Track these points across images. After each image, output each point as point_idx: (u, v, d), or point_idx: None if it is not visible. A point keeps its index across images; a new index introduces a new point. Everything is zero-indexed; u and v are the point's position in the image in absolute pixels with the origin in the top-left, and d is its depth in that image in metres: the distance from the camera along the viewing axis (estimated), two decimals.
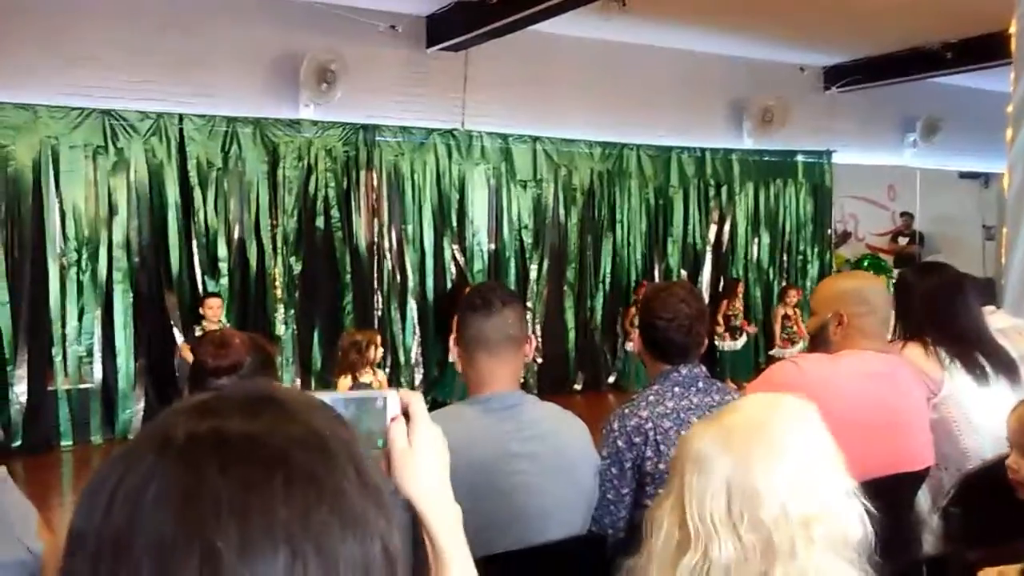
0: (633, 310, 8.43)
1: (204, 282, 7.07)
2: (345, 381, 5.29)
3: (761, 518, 1.16)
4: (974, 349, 2.68)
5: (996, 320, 2.93)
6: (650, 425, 2.31)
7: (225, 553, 0.55)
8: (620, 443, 2.31)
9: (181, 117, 6.99)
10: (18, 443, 6.45)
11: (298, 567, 0.57)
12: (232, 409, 0.63)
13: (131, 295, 6.84)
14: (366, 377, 5.37)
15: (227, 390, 0.67)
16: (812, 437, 1.24)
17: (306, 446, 0.61)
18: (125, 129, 6.80)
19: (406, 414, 1.00)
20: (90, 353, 6.76)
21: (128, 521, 0.57)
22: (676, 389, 2.40)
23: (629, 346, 8.44)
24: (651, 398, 2.38)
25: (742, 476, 1.18)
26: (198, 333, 6.55)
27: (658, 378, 2.45)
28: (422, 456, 1.00)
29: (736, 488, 1.18)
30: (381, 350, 5.63)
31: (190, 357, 6.44)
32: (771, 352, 8.94)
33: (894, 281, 9.93)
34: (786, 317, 8.90)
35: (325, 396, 1.03)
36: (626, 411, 2.37)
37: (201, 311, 6.69)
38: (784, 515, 1.16)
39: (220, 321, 6.71)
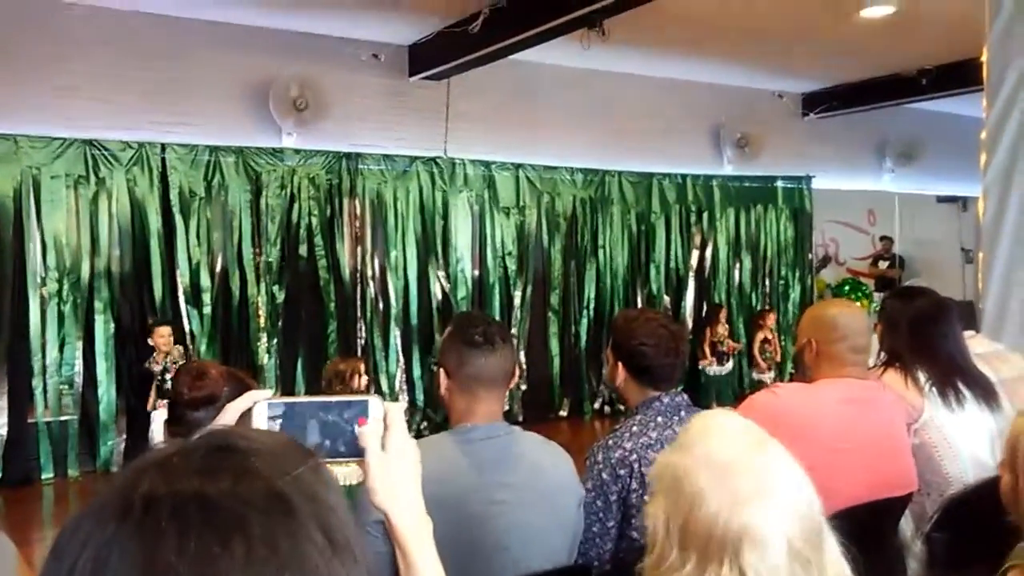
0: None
1: (187, 312, 7.03)
2: None
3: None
4: (955, 375, 2.70)
5: (976, 345, 2.96)
6: (635, 457, 2.30)
7: None
8: (605, 475, 2.29)
9: (163, 146, 6.98)
10: None
11: None
12: (192, 468, 0.62)
13: (113, 325, 6.79)
14: None
15: (191, 443, 0.66)
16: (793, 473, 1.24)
17: (267, 509, 0.60)
18: (107, 159, 6.78)
19: (384, 422, 1.02)
20: (71, 384, 6.69)
21: None
22: (659, 419, 2.39)
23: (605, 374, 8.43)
24: (635, 428, 2.37)
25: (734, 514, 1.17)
26: (148, 365, 6.51)
27: (640, 407, 2.45)
28: (396, 463, 1.01)
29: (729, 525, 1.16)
30: (366, 378, 5.57)
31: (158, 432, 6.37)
32: (754, 376, 9.01)
33: (876, 307, 10.04)
34: (765, 341, 8.97)
35: (308, 400, 1.05)
36: (610, 442, 2.36)
37: (150, 341, 6.54)
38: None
39: (169, 351, 6.61)
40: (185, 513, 0.58)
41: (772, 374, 8.81)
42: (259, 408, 1.03)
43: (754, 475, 1.18)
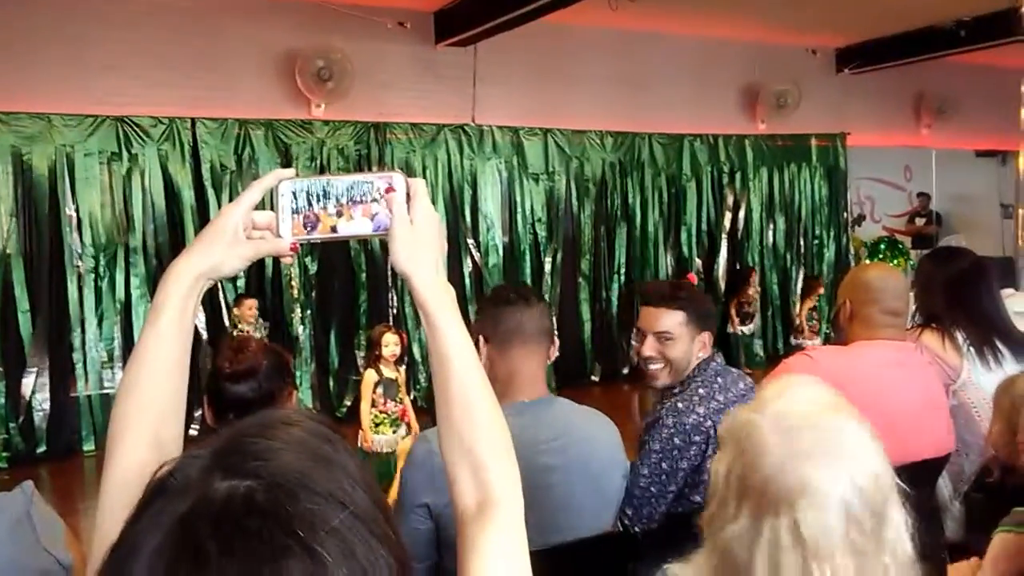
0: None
1: (221, 285, 7.11)
2: (368, 375, 5.34)
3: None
4: (993, 334, 2.66)
5: (1015, 303, 2.91)
6: (709, 423, 2.28)
7: None
8: (677, 440, 2.28)
9: (193, 121, 7.02)
10: (42, 449, 6.52)
11: None
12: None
13: (149, 300, 6.89)
14: (389, 372, 5.40)
15: (239, 431, 0.69)
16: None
17: (310, 524, 0.62)
18: (138, 135, 6.84)
19: (408, 193, 1.06)
20: (111, 358, 6.81)
21: None
22: (719, 380, 2.40)
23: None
24: (701, 391, 2.36)
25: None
26: (236, 334, 6.67)
27: (698, 369, 2.44)
28: (420, 232, 1.06)
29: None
30: (396, 349, 5.51)
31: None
32: (794, 341, 8.96)
33: (912, 265, 9.90)
34: (813, 309, 8.92)
35: (330, 179, 1.07)
36: (679, 406, 2.34)
37: (236, 312, 6.79)
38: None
39: (254, 322, 6.75)
40: (228, 528, 0.61)
41: (817, 340, 8.74)
42: (284, 185, 1.06)
43: (820, 433, 1.17)
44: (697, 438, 2.27)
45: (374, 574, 0.64)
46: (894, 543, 1.15)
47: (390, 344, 5.47)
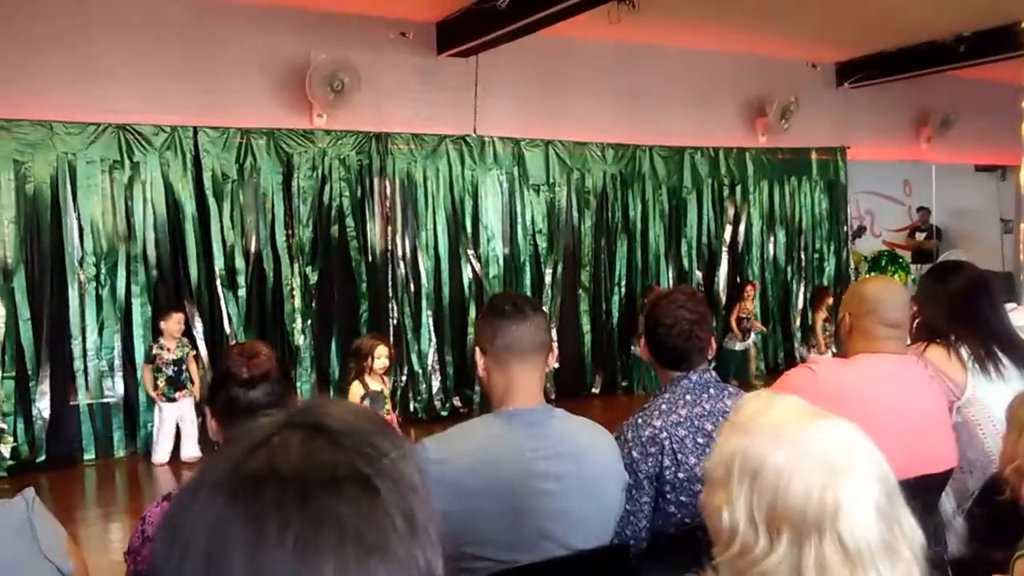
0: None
1: (223, 294, 7.11)
2: (355, 388, 5.30)
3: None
4: (996, 345, 2.66)
5: (1017, 317, 2.91)
6: (665, 435, 2.30)
7: None
8: (635, 454, 2.30)
9: (195, 130, 7.03)
10: (42, 458, 6.50)
11: None
12: (292, 451, 0.69)
13: (150, 309, 6.88)
14: (375, 384, 5.38)
15: (287, 420, 0.73)
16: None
17: (356, 497, 0.67)
18: (140, 143, 6.85)
19: None
20: (111, 367, 6.81)
21: (205, 566, 0.64)
22: (688, 396, 2.39)
23: (635, 349, 8.49)
24: (663, 407, 2.38)
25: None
26: (158, 352, 6.64)
27: (669, 385, 2.45)
28: None
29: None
30: (385, 361, 5.50)
31: (148, 383, 6.47)
32: (809, 355, 8.97)
33: (913, 279, 9.91)
34: (827, 320, 8.94)
35: None
36: (639, 420, 2.36)
37: (163, 325, 6.69)
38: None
39: (179, 339, 6.72)
40: (287, 498, 0.66)
41: (829, 353, 8.74)
42: None
43: (830, 444, 1.18)
44: (652, 449, 2.29)
45: (420, 514, 0.70)
46: (911, 536, 1.17)
47: (382, 356, 5.43)
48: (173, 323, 6.69)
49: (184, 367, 6.72)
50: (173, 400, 6.64)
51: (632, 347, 8.65)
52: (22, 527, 1.61)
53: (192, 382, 6.77)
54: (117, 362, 6.80)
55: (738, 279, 9.55)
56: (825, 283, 10.08)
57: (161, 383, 6.64)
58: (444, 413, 7.82)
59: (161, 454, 6.66)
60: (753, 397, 1.32)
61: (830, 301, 8.99)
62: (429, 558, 0.69)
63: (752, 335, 9.06)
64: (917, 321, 2.80)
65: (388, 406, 5.39)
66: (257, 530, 0.64)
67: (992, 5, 7.30)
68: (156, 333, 6.77)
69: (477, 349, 2.16)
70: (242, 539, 0.64)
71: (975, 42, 8.68)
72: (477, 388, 7.69)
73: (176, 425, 6.68)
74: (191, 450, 6.67)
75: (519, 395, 2.09)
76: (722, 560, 1.21)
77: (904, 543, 1.16)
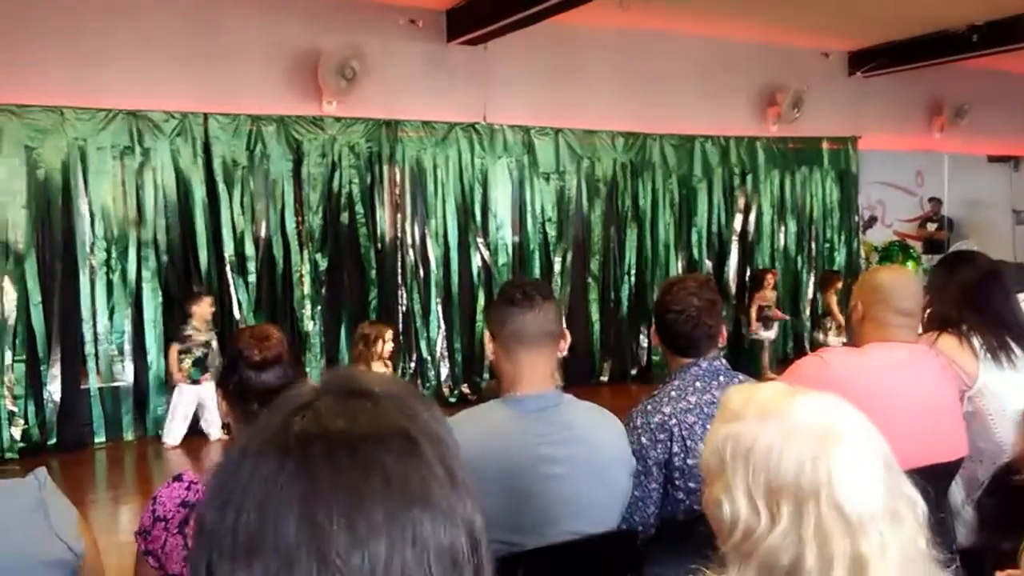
0: None
1: (233, 280, 7.13)
2: None
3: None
4: (1008, 335, 2.65)
5: None
6: (674, 421, 2.29)
7: (335, 549, 0.66)
8: (644, 440, 2.30)
9: (206, 116, 7.04)
10: (52, 441, 6.54)
11: (396, 556, 0.66)
12: (336, 411, 0.73)
13: (160, 294, 6.91)
14: (377, 367, 5.51)
15: (325, 386, 0.77)
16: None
17: (400, 449, 0.71)
18: (151, 129, 6.86)
19: None
20: (121, 351, 6.84)
21: (259, 525, 0.67)
22: (697, 383, 2.39)
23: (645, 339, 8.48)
24: (673, 393, 2.37)
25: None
26: (189, 334, 6.67)
27: (678, 372, 2.45)
28: None
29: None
30: (391, 344, 5.71)
31: (174, 363, 6.54)
32: (824, 340, 8.87)
33: (924, 269, 9.86)
34: (839, 303, 8.84)
35: None
36: (648, 407, 2.36)
37: (194, 309, 6.72)
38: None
39: (209, 322, 6.76)
40: (335, 452, 0.69)
41: (841, 339, 8.67)
42: None
43: (820, 416, 1.19)
44: (662, 436, 2.29)
45: (458, 469, 0.73)
46: (914, 500, 1.18)
47: (389, 340, 5.68)
48: (205, 306, 6.73)
49: (211, 350, 6.76)
50: (197, 383, 6.68)
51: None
52: (35, 506, 1.62)
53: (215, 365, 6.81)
54: (127, 347, 6.84)
55: (748, 268, 9.51)
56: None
57: (187, 364, 6.69)
58: (452, 400, 7.84)
59: (174, 436, 6.70)
60: (736, 389, 1.33)
61: (839, 285, 8.92)
62: (469, 510, 0.72)
63: (776, 325, 8.97)
64: (929, 311, 2.78)
65: None
66: (309, 483, 0.67)
67: None
68: (184, 315, 6.78)
69: (488, 333, 2.17)
70: (295, 492, 0.67)
71: (989, 32, 8.61)
72: (486, 375, 7.71)
73: (195, 410, 6.74)
74: (217, 433, 6.73)
75: (527, 381, 2.09)
76: (728, 548, 1.21)
77: (907, 507, 1.17)
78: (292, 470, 0.68)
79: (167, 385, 6.86)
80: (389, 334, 5.69)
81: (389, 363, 5.80)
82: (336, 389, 0.76)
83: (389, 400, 0.75)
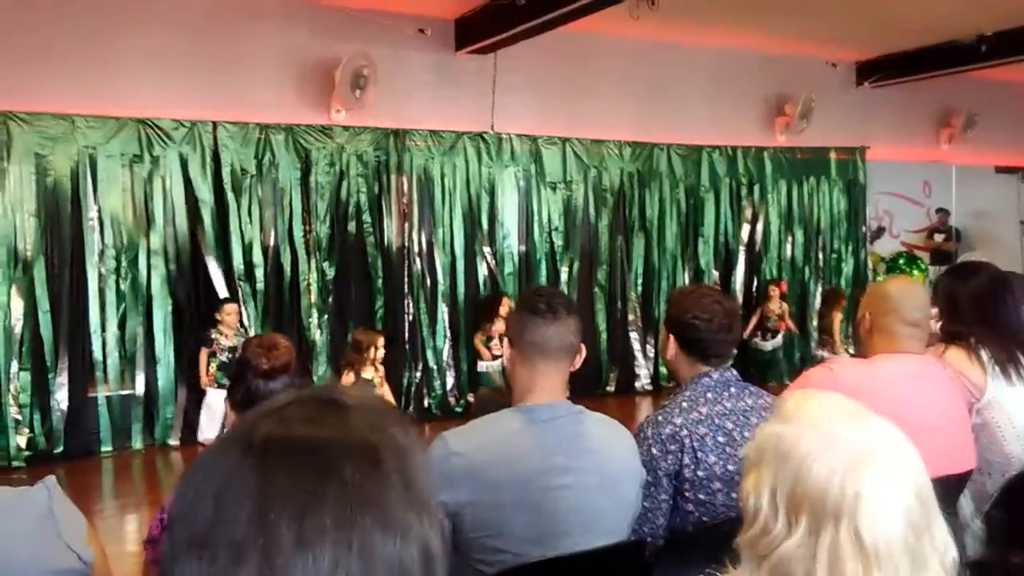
0: None
1: (241, 289, 7.15)
2: (348, 377, 5.55)
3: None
4: (1017, 347, 2.64)
5: None
6: (685, 433, 2.29)
7: (282, 550, 0.66)
8: (655, 451, 2.29)
9: (215, 125, 7.07)
10: (59, 449, 6.55)
11: (341, 565, 0.67)
12: (303, 417, 0.75)
13: (170, 302, 6.93)
14: (367, 373, 5.65)
15: (304, 395, 0.79)
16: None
17: (359, 458, 0.71)
18: (160, 137, 6.89)
19: None
20: (130, 360, 6.85)
21: (214, 516, 0.69)
22: (709, 395, 2.38)
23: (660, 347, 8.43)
24: (684, 404, 2.37)
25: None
26: (215, 339, 6.73)
27: (690, 383, 2.44)
28: None
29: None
30: (383, 351, 5.98)
31: (203, 367, 6.64)
32: (820, 354, 8.89)
33: (932, 281, 9.84)
34: (843, 322, 8.87)
35: None
36: (659, 418, 2.35)
37: (219, 316, 6.83)
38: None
39: (237, 328, 6.81)
40: (294, 455, 0.71)
41: (843, 354, 8.67)
42: None
43: (864, 439, 1.16)
44: (672, 447, 2.28)
45: (422, 489, 0.74)
46: (944, 548, 1.14)
47: (381, 347, 5.94)
48: (232, 314, 6.83)
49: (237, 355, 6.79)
50: (223, 387, 6.71)
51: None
52: (45, 515, 1.62)
53: None
54: (138, 355, 6.85)
55: (755, 279, 9.50)
56: (843, 284, 10.02)
57: (214, 369, 6.74)
58: (458, 409, 7.83)
59: (207, 436, 6.75)
60: (800, 392, 1.32)
61: (844, 303, 8.93)
62: (426, 528, 0.72)
63: (778, 335, 8.99)
64: (940, 324, 2.77)
65: (380, 391, 5.82)
66: (264, 482, 0.69)
67: (1014, 5, 7.23)
68: (212, 321, 6.86)
69: (506, 339, 2.16)
70: (250, 488, 0.69)
71: (997, 42, 8.60)
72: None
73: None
74: None
75: (541, 391, 2.09)
76: (743, 540, 1.21)
77: (934, 555, 1.13)
78: (250, 466, 0.70)
79: (196, 389, 6.91)
80: (381, 341, 5.93)
81: (381, 368, 5.97)
82: (310, 398, 0.78)
83: (360, 412, 0.76)
